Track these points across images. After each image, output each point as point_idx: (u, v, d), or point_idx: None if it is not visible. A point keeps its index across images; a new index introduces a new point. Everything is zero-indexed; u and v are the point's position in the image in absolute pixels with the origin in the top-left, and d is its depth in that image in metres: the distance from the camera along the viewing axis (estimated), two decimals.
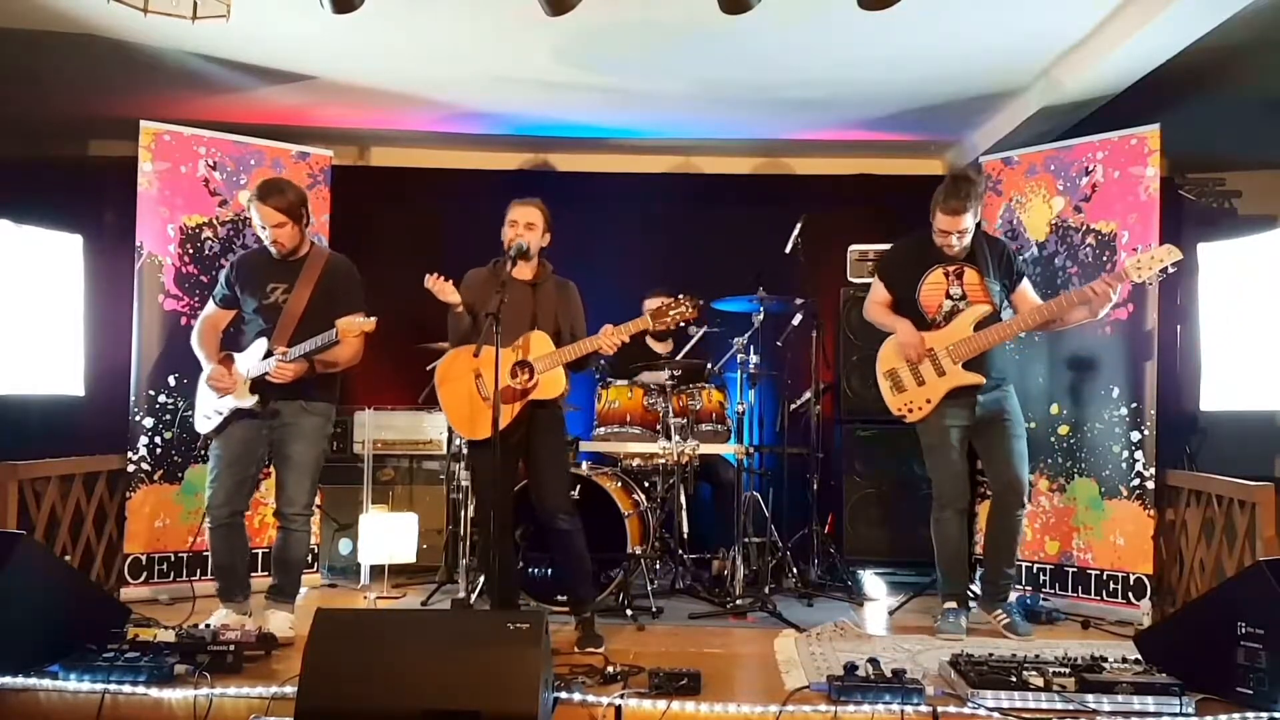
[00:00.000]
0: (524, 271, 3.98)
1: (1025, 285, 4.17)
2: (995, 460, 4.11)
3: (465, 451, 4.82)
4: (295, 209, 3.87)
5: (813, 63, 4.72)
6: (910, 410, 4.12)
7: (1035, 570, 4.81)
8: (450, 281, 3.87)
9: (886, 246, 5.41)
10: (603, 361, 4.61)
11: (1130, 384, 4.60)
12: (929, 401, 4.07)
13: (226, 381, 3.87)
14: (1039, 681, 2.96)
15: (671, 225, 6.20)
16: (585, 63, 4.76)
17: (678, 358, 5.40)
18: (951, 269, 4.12)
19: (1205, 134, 5.46)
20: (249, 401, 3.84)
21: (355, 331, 3.70)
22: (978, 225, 4.08)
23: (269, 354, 3.81)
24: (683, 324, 3.96)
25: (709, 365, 5.31)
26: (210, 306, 4.08)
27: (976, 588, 4.32)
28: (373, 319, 3.72)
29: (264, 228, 3.85)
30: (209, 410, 3.94)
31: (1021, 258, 4.42)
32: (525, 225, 3.94)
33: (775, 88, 5.08)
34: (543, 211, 3.99)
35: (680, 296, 3.91)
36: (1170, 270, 3.92)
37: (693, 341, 5.48)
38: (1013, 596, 4.11)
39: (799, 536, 5.27)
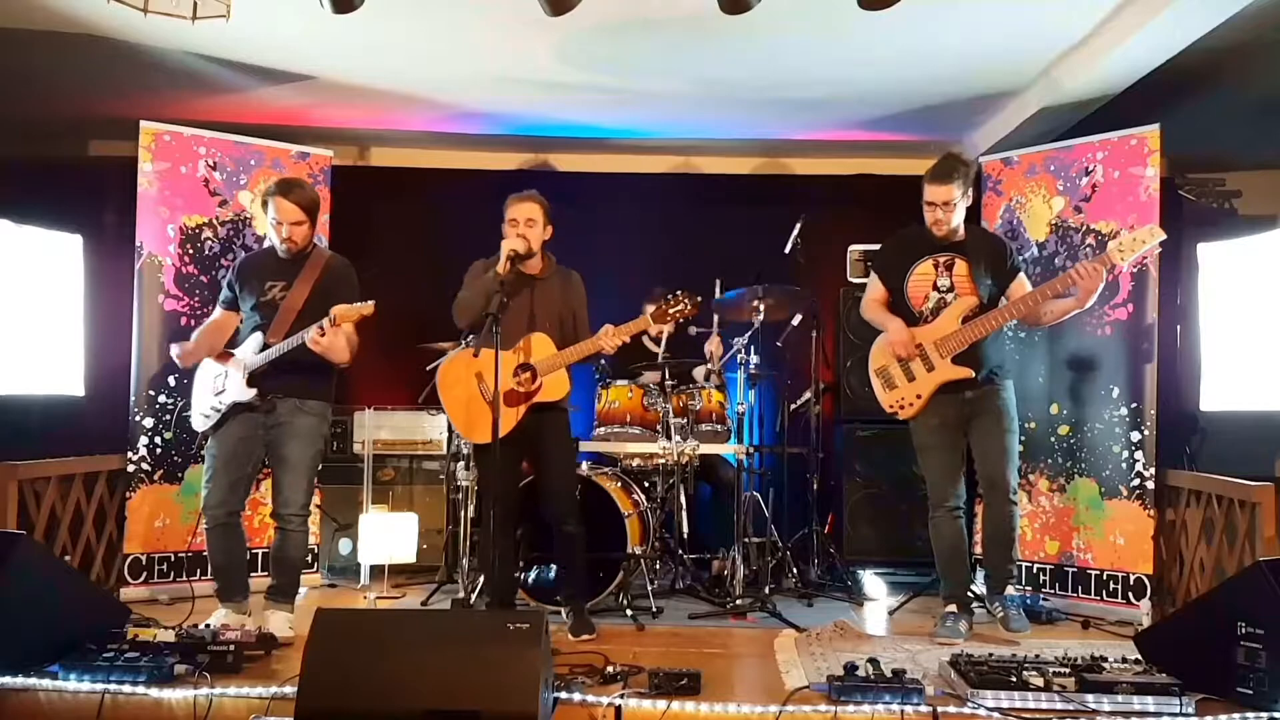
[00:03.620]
0: (529, 267, 3.95)
1: (1021, 280, 4.11)
2: (983, 455, 4.10)
3: (465, 451, 4.83)
4: (315, 206, 3.90)
5: (813, 63, 4.72)
6: (902, 407, 4.11)
7: (1035, 570, 4.81)
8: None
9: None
10: (603, 362, 4.61)
11: (1130, 384, 4.60)
12: (919, 397, 4.06)
13: (191, 358, 3.91)
14: (1039, 681, 2.97)
15: (671, 225, 6.19)
16: (585, 63, 4.75)
17: (714, 359, 5.37)
18: (942, 259, 4.08)
19: (1205, 134, 5.45)
20: (248, 395, 3.83)
21: (354, 316, 3.68)
22: (976, 223, 4.07)
23: (265, 347, 3.81)
24: (682, 320, 3.93)
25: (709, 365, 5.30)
26: (217, 310, 4.08)
27: (979, 588, 4.32)
28: (370, 303, 3.69)
29: (280, 224, 3.83)
30: (206, 408, 3.94)
31: (1020, 257, 4.37)
32: (525, 222, 3.89)
33: (775, 88, 5.07)
34: (541, 205, 3.94)
35: (679, 293, 3.87)
36: (1157, 250, 3.90)
37: (714, 365, 5.41)
38: (1013, 591, 4.10)
39: (799, 536, 5.27)
